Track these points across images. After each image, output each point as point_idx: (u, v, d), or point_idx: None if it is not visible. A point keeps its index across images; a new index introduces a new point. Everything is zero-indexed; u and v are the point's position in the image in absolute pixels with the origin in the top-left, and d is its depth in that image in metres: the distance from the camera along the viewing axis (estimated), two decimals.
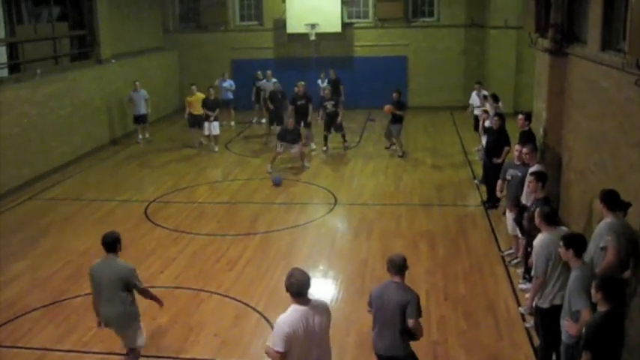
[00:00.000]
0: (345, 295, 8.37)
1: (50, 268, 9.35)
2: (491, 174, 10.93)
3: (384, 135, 15.92)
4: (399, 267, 5.39)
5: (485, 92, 14.99)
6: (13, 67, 14.79)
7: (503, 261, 9.21)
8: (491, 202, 11.40)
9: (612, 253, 5.95)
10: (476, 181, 13.00)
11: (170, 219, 11.41)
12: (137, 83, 17.10)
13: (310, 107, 16.05)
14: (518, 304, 7.86)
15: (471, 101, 15.69)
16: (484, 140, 12.35)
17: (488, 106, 13.41)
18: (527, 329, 7.25)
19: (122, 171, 14.96)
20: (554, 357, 6.25)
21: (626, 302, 5.81)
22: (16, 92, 13.39)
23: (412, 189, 12.93)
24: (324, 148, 16.02)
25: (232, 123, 19.41)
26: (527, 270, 7.87)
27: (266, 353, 4.78)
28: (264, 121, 18.85)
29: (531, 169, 8.46)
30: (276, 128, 16.83)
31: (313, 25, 20.38)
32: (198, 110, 16.37)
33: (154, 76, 19.96)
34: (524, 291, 8.03)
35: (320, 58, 20.88)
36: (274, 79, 18.20)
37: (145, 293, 6.37)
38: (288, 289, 4.76)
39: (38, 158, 13.94)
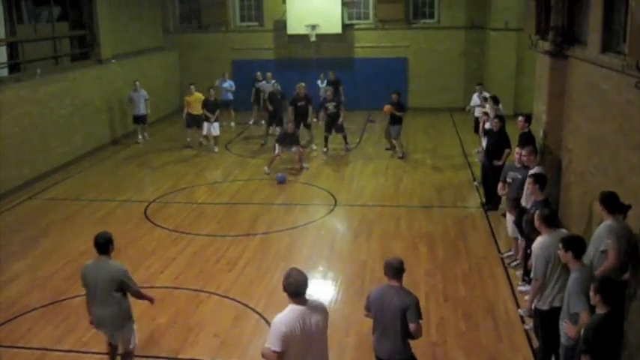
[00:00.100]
0: (345, 296, 8.37)
1: (50, 268, 9.35)
2: (491, 176, 10.93)
3: (384, 136, 15.93)
4: (396, 270, 5.37)
5: (486, 94, 15.00)
6: (14, 67, 14.80)
7: (503, 263, 9.22)
8: (490, 203, 11.40)
9: (613, 256, 5.96)
10: (475, 183, 13.01)
11: (170, 219, 11.42)
12: (137, 83, 17.11)
13: (310, 108, 16.09)
14: (518, 306, 7.87)
15: (472, 103, 15.71)
16: (484, 142, 12.36)
17: (488, 108, 13.42)
18: (526, 331, 7.26)
19: (122, 171, 14.96)
20: (553, 359, 6.25)
21: (625, 305, 5.81)
22: (16, 92, 13.39)
23: (412, 190, 12.93)
24: (325, 149, 16.03)
25: (232, 124, 19.41)
26: (527, 272, 7.88)
27: (262, 355, 4.76)
28: (263, 122, 18.86)
29: (531, 172, 8.47)
30: (275, 129, 16.88)
31: (314, 26, 20.38)
32: (197, 110, 16.36)
33: (154, 76, 19.97)
34: (524, 293, 8.04)
35: (320, 59, 20.89)
36: (274, 81, 18.22)
37: (138, 295, 6.28)
38: (285, 289, 4.76)
39: (38, 158, 13.94)
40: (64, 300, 8.31)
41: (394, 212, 11.59)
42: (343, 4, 20.77)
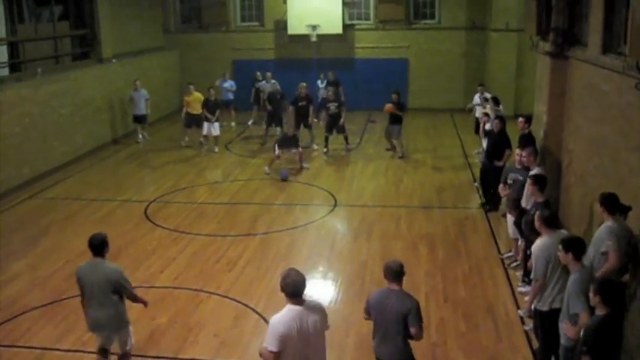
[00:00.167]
0: (345, 297, 8.37)
1: (50, 268, 9.36)
2: (492, 177, 10.92)
3: (384, 136, 15.94)
4: (396, 273, 5.32)
5: (487, 95, 14.99)
6: (14, 67, 14.82)
7: (503, 264, 9.22)
8: (490, 204, 11.41)
9: (614, 257, 5.94)
10: (476, 184, 13.00)
11: (170, 219, 11.42)
12: (138, 82, 17.11)
13: (311, 109, 16.10)
14: (518, 307, 7.87)
15: (473, 103, 15.71)
16: (485, 143, 12.36)
17: (489, 109, 13.42)
18: (526, 332, 7.26)
19: (123, 170, 14.97)
20: None
21: (625, 306, 5.81)
22: (17, 91, 13.40)
23: (412, 191, 12.93)
24: (325, 150, 16.03)
25: (233, 124, 19.40)
26: (527, 273, 7.88)
27: (260, 354, 4.78)
28: (263, 122, 18.83)
29: (531, 173, 8.47)
30: (275, 129, 16.87)
31: (314, 27, 20.39)
32: (196, 110, 16.35)
33: (154, 75, 19.97)
34: (524, 294, 8.04)
35: (321, 59, 20.89)
36: (273, 81, 18.22)
37: (133, 298, 6.20)
38: (283, 290, 4.76)
39: (39, 157, 13.94)
40: (63, 299, 8.31)
41: (394, 213, 11.60)
42: (344, 4, 20.77)
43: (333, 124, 15.91)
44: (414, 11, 21.46)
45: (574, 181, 9.46)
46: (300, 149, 14.52)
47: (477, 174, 13.31)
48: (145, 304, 6.41)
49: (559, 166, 10.23)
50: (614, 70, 7.56)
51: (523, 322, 7.47)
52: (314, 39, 20.62)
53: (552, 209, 7.37)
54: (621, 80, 7.25)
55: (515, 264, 9.02)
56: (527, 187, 8.18)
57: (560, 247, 5.66)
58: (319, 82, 19.06)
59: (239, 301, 8.20)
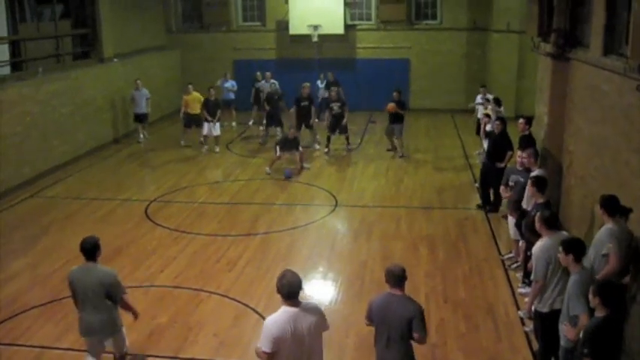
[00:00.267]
0: (345, 297, 8.37)
1: (50, 267, 9.35)
2: (494, 178, 10.91)
3: (385, 134, 15.94)
4: (398, 278, 5.22)
5: (489, 96, 14.99)
6: (16, 65, 14.83)
7: (503, 265, 9.21)
8: (489, 205, 11.40)
9: (615, 259, 5.93)
10: (477, 185, 12.99)
11: (171, 219, 11.42)
12: (139, 82, 17.12)
13: (313, 109, 16.11)
14: (518, 308, 7.87)
15: (475, 103, 15.70)
16: (485, 144, 12.35)
17: (490, 110, 13.42)
18: (526, 333, 7.25)
19: (123, 170, 14.97)
20: None
21: (625, 308, 5.81)
22: (18, 90, 13.41)
23: (413, 191, 12.93)
24: (326, 150, 16.03)
25: (233, 123, 19.40)
26: (527, 274, 7.87)
27: (256, 353, 4.80)
28: (264, 122, 18.82)
29: (532, 174, 8.47)
30: (275, 130, 16.86)
31: (316, 27, 20.40)
32: (195, 110, 16.35)
33: (155, 75, 19.97)
34: (524, 295, 8.04)
35: (322, 59, 20.89)
36: (273, 81, 18.21)
37: (125, 305, 6.13)
38: (279, 291, 4.75)
39: (39, 156, 13.94)
40: (63, 298, 8.28)
41: (395, 213, 11.59)
42: (345, 4, 20.79)
43: (336, 124, 15.91)
44: (416, 12, 21.45)
45: (575, 182, 9.45)
46: (301, 149, 14.52)
47: (478, 175, 13.30)
48: (136, 315, 6.29)
49: (560, 168, 10.22)
50: (615, 72, 7.56)
51: (523, 324, 7.46)
52: (315, 39, 20.62)
53: (553, 210, 7.36)
54: (622, 82, 7.25)
55: (515, 265, 9.02)
56: (528, 189, 8.17)
57: (560, 248, 5.66)
58: (319, 82, 19.07)
59: (239, 301, 8.20)
